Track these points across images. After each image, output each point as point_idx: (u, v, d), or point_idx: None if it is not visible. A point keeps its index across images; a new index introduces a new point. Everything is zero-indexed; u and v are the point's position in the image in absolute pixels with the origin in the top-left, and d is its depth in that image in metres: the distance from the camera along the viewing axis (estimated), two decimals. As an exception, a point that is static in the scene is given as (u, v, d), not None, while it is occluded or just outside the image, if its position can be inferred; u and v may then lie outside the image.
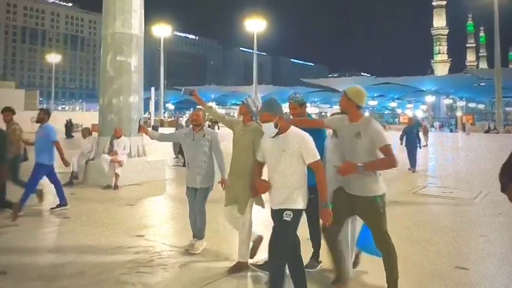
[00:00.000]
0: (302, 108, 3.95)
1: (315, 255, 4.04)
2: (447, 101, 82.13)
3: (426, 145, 21.38)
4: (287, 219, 2.98)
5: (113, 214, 6.57)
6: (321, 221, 3.29)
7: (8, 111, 6.84)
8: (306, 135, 3.08)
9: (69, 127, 31.23)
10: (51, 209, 6.55)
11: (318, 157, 3.04)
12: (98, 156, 9.33)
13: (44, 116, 6.54)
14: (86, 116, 44.21)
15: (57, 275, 3.90)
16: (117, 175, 8.74)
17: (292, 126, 3.12)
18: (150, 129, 5.30)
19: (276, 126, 3.02)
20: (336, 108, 3.83)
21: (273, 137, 3.07)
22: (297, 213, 3.02)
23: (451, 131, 54.17)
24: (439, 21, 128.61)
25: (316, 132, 3.58)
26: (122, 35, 9.74)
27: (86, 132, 9.78)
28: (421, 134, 19.05)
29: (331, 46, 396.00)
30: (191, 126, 4.75)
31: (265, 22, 49.75)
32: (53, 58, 75.01)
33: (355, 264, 3.94)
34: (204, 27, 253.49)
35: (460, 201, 7.68)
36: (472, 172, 11.82)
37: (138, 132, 4.89)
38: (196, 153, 4.54)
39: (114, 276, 3.89)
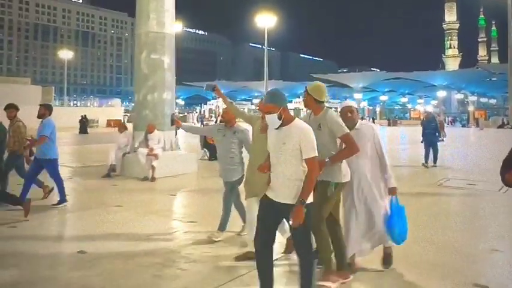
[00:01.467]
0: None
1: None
2: (458, 96, 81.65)
3: (443, 140, 21.55)
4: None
5: (160, 203, 7.05)
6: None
7: (12, 108, 6.72)
8: (308, 128, 2.94)
9: (84, 123, 31.78)
10: (53, 205, 6.51)
11: (315, 154, 2.89)
12: (133, 149, 9.80)
13: (45, 112, 6.43)
14: (98, 112, 44.73)
15: (131, 255, 4.34)
16: (153, 167, 9.19)
17: (296, 118, 3.02)
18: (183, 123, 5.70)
19: (279, 118, 2.92)
20: (347, 102, 3.90)
21: (277, 128, 2.97)
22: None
23: (463, 126, 53.99)
24: (450, 16, 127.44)
25: None
26: (156, 33, 10.18)
27: (122, 127, 10.25)
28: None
29: (340, 41, 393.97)
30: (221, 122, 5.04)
31: (275, 18, 49.71)
32: (65, 54, 75.74)
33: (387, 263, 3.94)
34: (213, 23, 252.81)
35: (486, 193, 8.02)
36: (491, 166, 12.06)
37: (172, 125, 5.06)
38: (225, 148, 4.87)
39: (183, 256, 4.32)
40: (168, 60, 10.31)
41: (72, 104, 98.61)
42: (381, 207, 3.73)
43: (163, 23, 10.26)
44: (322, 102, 3.54)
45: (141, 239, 4.90)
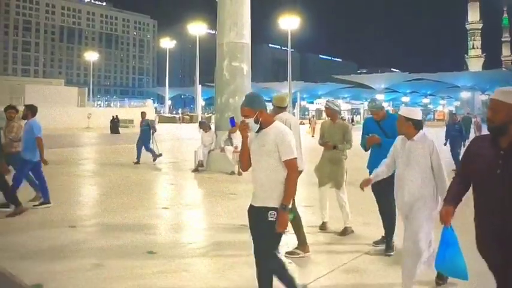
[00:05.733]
0: (383, 110, 4.68)
1: (388, 245, 4.55)
2: (483, 97, 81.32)
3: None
4: (272, 219, 2.83)
5: (265, 192, 8.18)
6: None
7: (12, 109, 6.78)
8: (286, 130, 2.95)
9: (116, 123, 32.53)
10: (34, 206, 6.48)
11: (293, 155, 2.87)
12: (218, 146, 11.03)
13: (27, 113, 6.46)
14: (132, 112, 45.84)
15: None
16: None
17: (276, 121, 3.05)
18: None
19: (256, 122, 2.90)
20: (403, 110, 3.65)
21: (257, 132, 2.95)
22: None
23: (489, 127, 53.91)
24: (474, 16, 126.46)
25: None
26: (236, 44, 11.41)
27: (207, 127, 11.52)
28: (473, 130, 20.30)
29: (360, 41, 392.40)
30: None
31: (298, 19, 49.69)
32: (91, 56, 77.95)
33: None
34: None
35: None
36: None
37: (233, 127, 5.55)
38: None
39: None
40: (246, 67, 11.52)
41: (96, 105, 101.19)
42: (426, 226, 3.38)
43: (242, 34, 11.47)
44: (279, 107, 4.56)
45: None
